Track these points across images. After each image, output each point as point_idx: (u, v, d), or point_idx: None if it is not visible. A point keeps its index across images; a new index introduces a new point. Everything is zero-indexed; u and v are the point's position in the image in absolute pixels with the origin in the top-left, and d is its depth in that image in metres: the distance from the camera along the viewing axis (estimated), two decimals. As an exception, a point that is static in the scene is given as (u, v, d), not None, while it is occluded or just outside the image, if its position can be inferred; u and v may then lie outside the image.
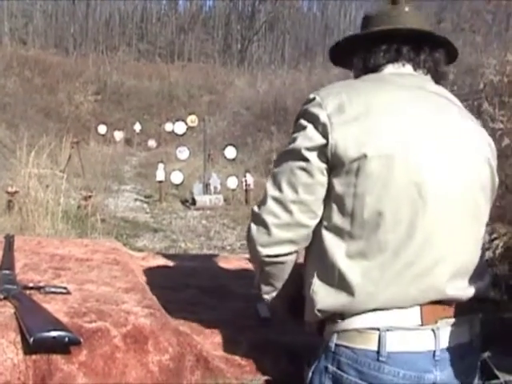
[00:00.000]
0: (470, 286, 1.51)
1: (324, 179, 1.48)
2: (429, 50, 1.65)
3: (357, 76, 1.70)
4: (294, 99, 15.76)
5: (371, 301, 1.42)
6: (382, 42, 1.64)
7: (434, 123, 1.52)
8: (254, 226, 1.55)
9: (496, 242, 4.49)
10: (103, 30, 34.91)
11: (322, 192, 1.49)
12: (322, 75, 17.48)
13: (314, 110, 1.50)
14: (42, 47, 29.14)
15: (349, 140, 1.44)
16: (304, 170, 1.49)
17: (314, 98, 1.53)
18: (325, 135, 1.46)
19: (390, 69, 1.63)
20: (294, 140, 1.52)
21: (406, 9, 1.68)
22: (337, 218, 1.46)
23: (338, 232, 1.46)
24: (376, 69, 1.65)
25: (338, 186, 1.46)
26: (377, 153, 1.42)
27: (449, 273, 1.46)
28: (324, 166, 1.47)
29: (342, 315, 1.45)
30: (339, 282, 1.44)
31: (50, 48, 29.72)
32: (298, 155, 1.49)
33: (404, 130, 1.46)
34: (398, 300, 1.43)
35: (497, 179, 1.61)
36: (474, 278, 1.52)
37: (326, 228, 1.49)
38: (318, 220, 1.51)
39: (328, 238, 1.48)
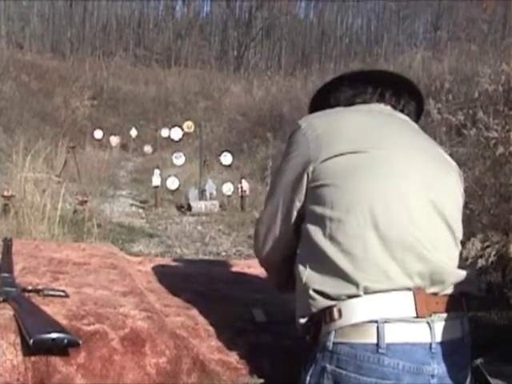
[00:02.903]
0: (452, 265, 1.57)
1: (298, 191, 1.66)
2: (408, 97, 1.85)
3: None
4: (290, 106, 15.80)
5: (362, 276, 1.48)
6: (367, 84, 1.82)
7: (403, 134, 1.70)
8: (254, 236, 1.84)
9: (488, 249, 4.51)
10: (100, 34, 34.88)
11: (298, 202, 1.67)
12: (318, 82, 17.50)
13: (297, 132, 1.70)
14: (38, 51, 29.08)
15: (322, 147, 1.60)
16: (284, 185, 1.69)
17: (296, 125, 1.73)
18: (306, 149, 1.64)
19: (367, 106, 1.80)
20: (282, 160, 1.73)
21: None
22: (318, 209, 1.58)
23: (321, 220, 1.56)
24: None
25: (317, 183, 1.59)
26: (347, 150, 1.58)
27: (430, 243, 1.53)
28: (301, 176, 1.64)
29: (338, 305, 1.49)
30: (328, 266, 1.51)
31: (46, 52, 29.65)
32: (282, 173, 1.71)
33: (371, 132, 1.63)
34: (386, 272, 1.48)
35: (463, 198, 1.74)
36: (457, 263, 1.59)
37: (311, 222, 1.60)
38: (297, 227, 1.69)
39: (313, 229, 1.58)
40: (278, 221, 1.72)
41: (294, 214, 1.68)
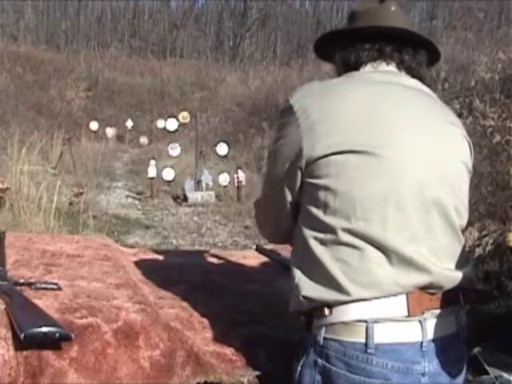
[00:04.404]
0: (452, 269, 1.53)
1: (290, 181, 1.59)
2: (412, 51, 1.66)
3: (338, 72, 1.73)
4: (286, 96, 15.71)
5: (353, 287, 1.44)
6: (365, 40, 1.65)
7: (406, 116, 1.55)
8: (255, 218, 1.87)
9: (486, 238, 4.50)
10: (95, 26, 34.77)
11: (292, 191, 1.60)
12: (313, 72, 17.50)
13: (288, 114, 1.58)
14: (33, 43, 28.97)
15: (317, 140, 1.50)
16: (277, 172, 1.61)
17: (288, 100, 1.61)
18: (298, 139, 1.53)
19: (368, 67, 1.65)
20: (274, 141, 1.64)
21: (393, 8, 1.69)
22: (313, 210, 1.52)
23: (316, 224, 1.51)
24: (356, 66, 1.66)
25: (311, 180, 1.52)
26: (344, 147, 1.47)
27: (426, 251, 1.48)
28: (293, 168, 1.56)
29: (330, 306, 1.47)
30: (320, 271, 1.48)
31: (41, 44, 29.56)
32: (274, 158, 1.63)
33: (372, 125, 1.50)
34: (381, 284, 1.44)
35: (470, 170, 1.64)
36: (457, 264, 1.54)
37: (305, 220, 1.54)
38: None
39: (307, 232, 1.53)
40: (274, 211, 1.68)
41: (289, 207, 1.62)
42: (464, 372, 1.59)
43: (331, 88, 1.59)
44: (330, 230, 1.47)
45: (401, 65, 1.65)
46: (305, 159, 1.51)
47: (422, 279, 1.47)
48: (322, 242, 1.48)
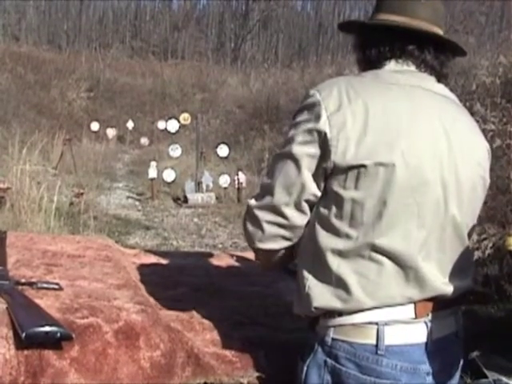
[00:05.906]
0: (455, 281, 1.54)
1: (314, 186, 1.51)
2: (434, 51, 1.60)
3: (358, 62, 1.67)
4: (287, 98, 15.79)
5: (369, 300, 1.45)
6: (386, 36, 1.60)
7: (431, 126, 1.51)
8: (248, 222, 1.60)
9: (485, 242, 4.51)
10: (96, 26, 34.80)
11: (312, 197, 1.52)
12: (314, 74, 17.52)
13: (315, 109, 1.49)
14: (34, 43, 29.00)
15: (347, 147, 1.44)
16: (297, 175, 1.50)
17: (314, 95, 1.51)
18: (324, 138, 1.46)
19: (391, 65, 1.59)
20: (292, 141, 1.51)
21: None
22: (334, 220, 1.48)
23: (335, 232, 1.48)
24: (377, 63, 1.60)
25: (337, 190, 1.47)
26: (373, 160, 1.43)
27: (435, 268, 1.50)
28: (317, 170, 1.49)
29: (340, 312, 1.48)
30: (336, 281, 1.47)
31: (42, 44, 29.59)
32: (293, 159, 1.51)
33: (401, 135, 1.46)
34: (394, 298, 1.46)
35: (487, 185, 1.64)
36: (461, 274, 1.56)
37: (323, 228, 1.50)
38: (307, 218, 1.54)
39: (324, 238, 1.49)
40: (286, 209, 1.53)
41: (307, 206, 1.53)
42: (459, 370, 1.62)
43: (360, 90, 1.50)
44: (352, 242, 1.45)
45: (423, 64, 1.60)
46: (332, 164, 1.45)
47: (429, 294, 1.49)
48: (341, 254, 1.46)
